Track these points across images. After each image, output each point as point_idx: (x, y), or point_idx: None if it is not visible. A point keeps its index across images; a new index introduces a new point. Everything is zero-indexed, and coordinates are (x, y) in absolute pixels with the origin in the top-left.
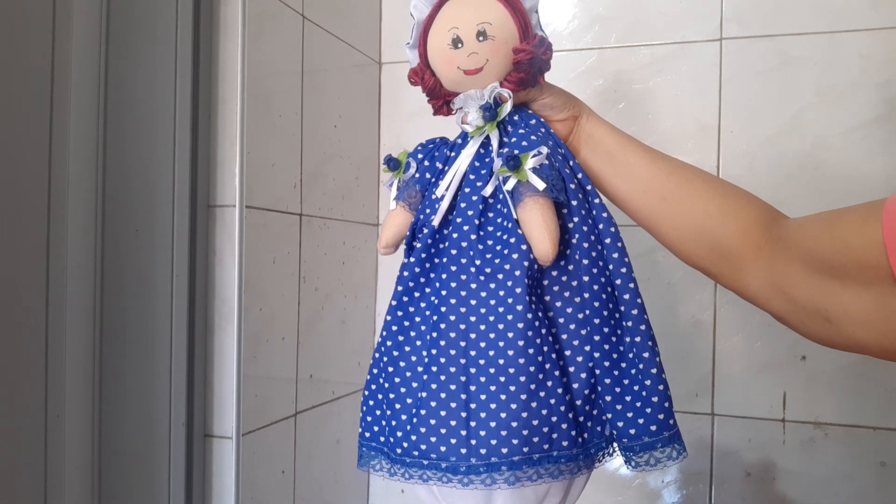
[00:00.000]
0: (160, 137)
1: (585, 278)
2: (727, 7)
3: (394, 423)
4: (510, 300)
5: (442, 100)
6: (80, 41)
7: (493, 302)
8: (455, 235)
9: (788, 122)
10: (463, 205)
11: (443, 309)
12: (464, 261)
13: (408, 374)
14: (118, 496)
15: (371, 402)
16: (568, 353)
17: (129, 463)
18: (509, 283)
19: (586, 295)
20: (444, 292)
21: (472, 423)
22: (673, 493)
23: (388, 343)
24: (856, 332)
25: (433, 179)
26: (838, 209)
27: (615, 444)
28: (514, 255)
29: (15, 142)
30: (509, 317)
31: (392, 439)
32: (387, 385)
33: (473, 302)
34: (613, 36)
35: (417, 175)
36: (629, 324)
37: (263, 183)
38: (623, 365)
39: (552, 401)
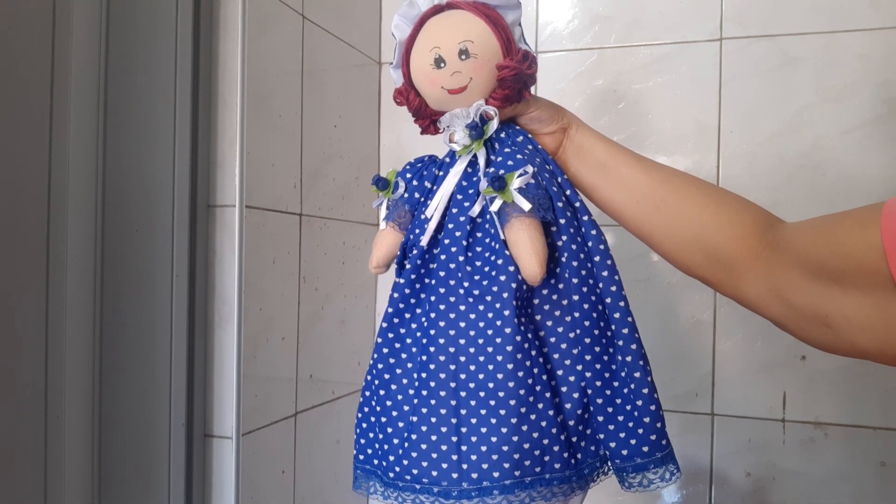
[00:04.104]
0: (160, 137)
1: (575, 297)
2: (727, 7)
3: (386, 446)
4: (498, 323)
5: (428, 119)
6: (80, 41)
7: (481, 325)
8: (443, 257)
9: (788, 122)
10: (451, 225)
11: (432, 332)
12: (452, 282)
13: (399, 397)
14: (118, 496)
15: (364, 425)
16: (560, 372)
17: (129, 463)
18: (497, 306)
19: (577, 314)
20: (433, 315)
21: (463, 448)
22: (673, 493)
23: (380, 366)
24: (856, 337)
25: (422, 199)
26: (836, 213)
27: (609, 464)
28: (502, 277)
29: (15, 142)
30: (498, 340)
31: (385, 463)
32: (379, 408)
33: (462, 325)
34: (613, 36)
35: (406, 195)
36: (620, 342)
37: (263, 183)
38: (615, 384)
39: (543, 423)
